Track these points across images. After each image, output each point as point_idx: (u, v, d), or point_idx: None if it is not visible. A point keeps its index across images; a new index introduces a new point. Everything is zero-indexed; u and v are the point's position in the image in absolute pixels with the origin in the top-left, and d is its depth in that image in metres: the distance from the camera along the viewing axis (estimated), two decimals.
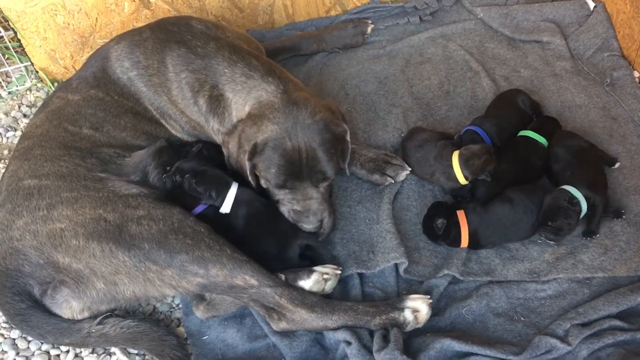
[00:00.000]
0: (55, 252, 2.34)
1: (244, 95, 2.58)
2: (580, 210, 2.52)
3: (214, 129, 2.73)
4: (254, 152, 2.46)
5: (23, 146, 2.65)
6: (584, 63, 3.32)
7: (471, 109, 3.15)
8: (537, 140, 2.79)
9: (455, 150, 2.74)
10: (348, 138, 2.59)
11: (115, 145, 2.67)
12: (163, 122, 2.83)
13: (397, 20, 3.66)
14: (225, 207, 2.53)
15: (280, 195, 2.56)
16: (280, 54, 3.45)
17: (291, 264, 2.52)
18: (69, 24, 3.35)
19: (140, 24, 3.35)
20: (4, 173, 2.65)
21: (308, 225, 2.54)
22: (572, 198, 2.51)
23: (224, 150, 2.65)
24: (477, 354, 2.26)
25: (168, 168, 2.61)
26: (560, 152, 2.73)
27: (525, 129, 2.87)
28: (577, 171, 2.65)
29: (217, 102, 2.65)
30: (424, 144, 2.83)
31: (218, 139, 2.75)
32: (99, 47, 2.95)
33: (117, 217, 2.35)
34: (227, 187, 2.54)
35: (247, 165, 2.49)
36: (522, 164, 2.75)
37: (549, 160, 2.76)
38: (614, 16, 3.38)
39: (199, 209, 2.55)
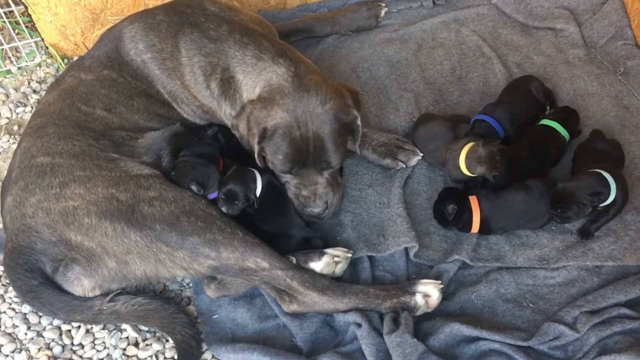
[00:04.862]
0: (68, 230, 2.34)
1: (254, 77, 2.56)
2: (601, 201, 2.47)
3: (227, 114, 2.71)
4: (263, 136, 2.46)
5: (36, 123, 2.64)
6: (598, 51, 3.30)
7: (483, 95, 3.13)
8: (558, 132, 2.74)
9: (465, 144, 2.66)
10: (359, 122, 2.57)
11: (127, 128, 2.67)
12: (175, 105, 2.82)
13: (410, 3, 3.63)
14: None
15: (287, 178, 2.59)
16: (292, 36, 3.42)
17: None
18: (80, 0, 3.32)
19: (151, 2, 3.34)
20: (16, 149, 2.64)
21: (315, 209, 2.56)
22: (598, 187, 2.46)
23: (235, 133, 2.64)
24: (485, 339, 2.27)
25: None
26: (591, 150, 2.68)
27: (541, 117, 2.83)
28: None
29: (228, 85, 2.63)
30: (434, 137, 2.79)
31: (229, 123, 2.73)
32: (112, 26, 2.92)
33: (129, 197, 2.36)
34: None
35: (255, 148, 2.50)
36: (539, 154, 2.71)
37: (578, 153, 2.72)
38: (628, 5, 3.35)
39: (213, 195, 2.54)
